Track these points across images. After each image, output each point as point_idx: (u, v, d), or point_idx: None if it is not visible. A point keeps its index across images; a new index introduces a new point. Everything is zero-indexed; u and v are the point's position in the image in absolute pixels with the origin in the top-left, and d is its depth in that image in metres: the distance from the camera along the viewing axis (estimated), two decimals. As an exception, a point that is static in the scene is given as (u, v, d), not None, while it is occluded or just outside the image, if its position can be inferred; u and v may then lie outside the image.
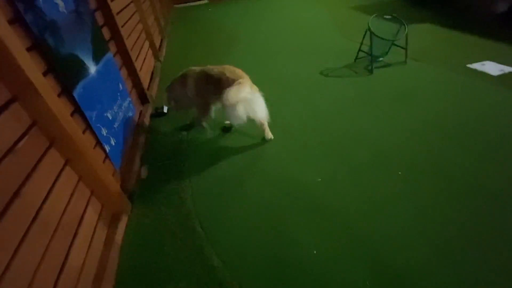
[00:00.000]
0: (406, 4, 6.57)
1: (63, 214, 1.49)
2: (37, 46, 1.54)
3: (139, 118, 3.09)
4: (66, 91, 1.73)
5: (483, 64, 3.56)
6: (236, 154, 2.53)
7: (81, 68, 1.97)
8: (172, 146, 2.77)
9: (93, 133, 1.96)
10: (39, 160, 1.40)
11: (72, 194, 1.60)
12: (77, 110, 1.82)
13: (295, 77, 3.80)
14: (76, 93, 1.79)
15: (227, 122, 2.87)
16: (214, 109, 2.75)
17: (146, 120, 3.16)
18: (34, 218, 1.29)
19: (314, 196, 2.02)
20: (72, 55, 1.88)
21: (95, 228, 1.76)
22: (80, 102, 1.81)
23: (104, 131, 2.12)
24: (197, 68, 2.66)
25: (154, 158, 2.64)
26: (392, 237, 1.71)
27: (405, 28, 3.59)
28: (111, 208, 1.96)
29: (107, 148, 2.11)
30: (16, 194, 1.19)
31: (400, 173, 2.13)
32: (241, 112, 2.27)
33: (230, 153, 2.55)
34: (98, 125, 2.05)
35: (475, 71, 3.45)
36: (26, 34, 1.47)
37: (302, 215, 1.91)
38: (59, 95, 1.64)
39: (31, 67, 1.33)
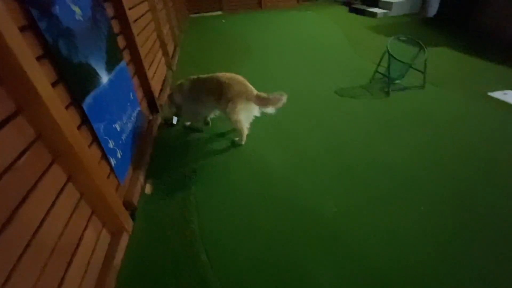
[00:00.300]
0: (420, 26, 6.53)
1: (60, 236, 1.37)
2: (49, 54, 1.46)
3: (147, 129, 2.99)
4: (75, 102, 1.64)
5: (505, 93, 3.43)
6: (247, 176, 2.40)
7: (93, 78, 1.89)
8: (180, 160, 2.66)
9: (99, 146, 1.86)
10: (40, 178, 1.29)
11: (72, 214, 1.48)
12: (85, 122, 1.72)
13: (309, 95, 3.70)
14: (85, 105, 1.70)
15: (237, 139, 2.80)
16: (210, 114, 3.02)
17: (154, 131, 3.07)
18: (28, 244, 1.17)
19: (329, 228, 1.87)
20: (85, 64, 1.80)
21: (93, 250, 1.63)
22: (89, 114, 1.72)
23: (111, 144, 2.02)
24: (193, 76, 2.85)
25: (160, 173, 2.52)
26: (411, 277, 1.55)
27: (425, 52, 3.50)
28: (112, 227, 1.83)
29: (112, 161, 2.00)
30: (10, 218, 1.07)
31: (422, 208, 1.98)
32: (244, 117, 2.63)
33: (241, 175, 2.42)
34: (106, 137, 1.95)
35: (497, 100, 3.32)
36: (38, 41, 1.39)
37: (316, 248, 1.76)
38: (67, 107, 1.55)
39: (40, 77, 1.24)
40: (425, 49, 3.50)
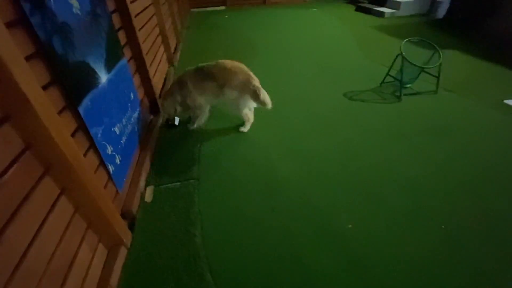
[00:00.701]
0: (429, 27, 6.37)
1: (52, 257, 1.23)
2: (41, 53, 1.30)
3: (148, 130, 2.84)
4: (70, 105, 1.48)
5: (522, 102, 3.30)
6: (254, 185, 2.26)
7: (91, 78, 1.73)
8: (182, 164, 2.51)
9: (96, 152, 1.70)
10: (29, 193, 1.14)
11: (65, 231, 1.34)
12: (82, 127, 1.57)
13: (318, 98, 3.56)
14: (82, 108, 1.54)
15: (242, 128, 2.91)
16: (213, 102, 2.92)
17: (156, 133, 2.91)
18: (16, 268, 1.03)
19: (345, 247, 1.74)
20: (82, 63, 1.64)
21: (88, 268, 1.48)
22: (85, 118, 1.56)
23: (109, 149, 1.87)
24: (191, 68, 2.80)
25: (161, 178, 2.37)
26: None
27: (440, 56, 3.35)
28: (109, 241, 1.69)
29: (111, 168, 1.85)
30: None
31: (443, 226, 1.85)
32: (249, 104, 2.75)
33: (247, 183, 2.28)
34: (104, 143, 1.80)
35: (513, 108, 3.19)
36: (29, 39, 1.23)
37: (330, 269, 1.63)
38: (61, 111, 1.40)
39: (29, 79, 1.08)
40: (441, 53, 3.35)
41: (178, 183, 2.31)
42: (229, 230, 1.88)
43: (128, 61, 2.53)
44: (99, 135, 1.73)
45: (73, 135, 1.46)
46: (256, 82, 2.65)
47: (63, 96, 1.44)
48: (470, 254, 1.69)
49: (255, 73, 2.70)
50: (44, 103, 1.15)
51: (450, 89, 3.62)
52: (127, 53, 2.59)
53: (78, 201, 1.43)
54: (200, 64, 2.77)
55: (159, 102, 3.19)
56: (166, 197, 2.18)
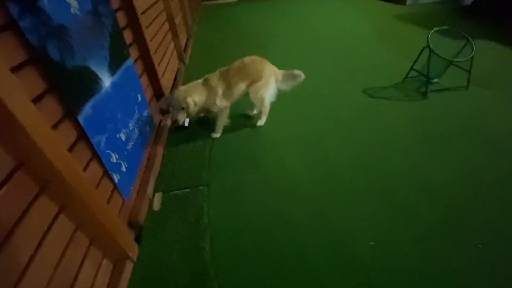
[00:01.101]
0: (456, 15, 5.89)
1: (51, 278, 1.15)
2: (35, 59, 1.19)
3: (157, 133, 2.74)
4: (69, 114, 1.38)
5: None
6: (266, 192, 2.12)
7: (93, 83, 1.63)
8: (191, 169, 2.40)
9: (99, 162, 1.61)
10: (24, 213, 1.06)
11: (65, 250, 1.25)
12: (82, 137, 1.47)
13: (336, 94, 3.33)
14: (82, 117, 1.44)
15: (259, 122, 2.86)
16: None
17: (165, 134, 2.82)
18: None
19: (365, 268, 1.58)
20: (82, 68, 1.53)
21: (92, 285, 1.41)
22: (86, 128, 1.46)
23: (114, 158, 1.77)
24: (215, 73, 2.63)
25: (170, 184, 2.28)
26: None
27: (472, 47, 3.03)
28: (114, 255, 1.61)
29: (116, 178, 1.76)
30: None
31: (480, 246, 1.64)
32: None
33: (259, 190, 2.14)
34: (108, 151, 1.70)
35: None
36: (20, 45, 1.12)
37: (350, 293, 1.48)
38: (58, 122, 1.29)
39: (14, 93, 0.97)
40: (473, 44, 3.03)
41: (187, 190, 2.21)
42: (239, 245, 1.76)
43: (135, 61, 2.42)
44: (102, 144, 1.63)
45: (72, 147, 1.36)
46: (278, 71, 2.73)
47: (60, 105, 1.34)
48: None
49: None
50: (35, 118, 1.05)
51: (481, 84, 3.29)
52: (134, 53, 2.48)
53: (78, 218, 1.34)
54: (222, 68, 2.63)
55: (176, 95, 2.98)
56: (174, 205, 2.08)
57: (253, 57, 2.67)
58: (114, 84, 1.89)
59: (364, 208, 1.93)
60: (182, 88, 2.50)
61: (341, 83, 3.57)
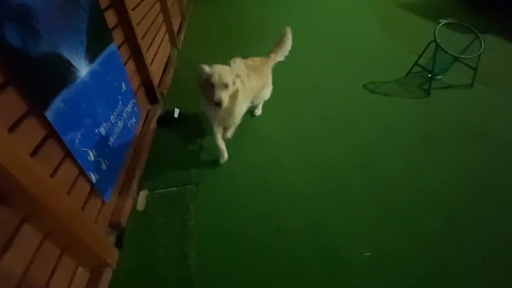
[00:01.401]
0: (464, 6, 5.65)
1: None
2: (-13, 47, 1.01)
3: (144, 124, 2.57)
4: (34, 110, 1.21)
5: None
6: (258, 194, 2.00)
7: (65, 73, 1.44)
8: (180, 166, 2.26)
9: (74, 162, 1.45)
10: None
11: (31, 262, 1.12)
12: (52, 135, 1.31)
13: (335, 89, 3.16)
14: (50, 112, 1.27)
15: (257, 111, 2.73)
16: None
17: (152, 126, 2.64)
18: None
19: (359, 281, 1.49)
20: (51, 55, 1.34)
21: (63, 298, 1.29)
22: (56, 125, 1.29)
23: (91, 156, 1.62)
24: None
25: (156, 181, 2.14)
26: None
27: (481, 44, 2.87)
28: (91, 263, 1.49)
29: (94, 177, 1.61)
30: None
31: (480, 260, 1.56)
32: None
33: (251, 191, 2.02)
34: (84, 149, 1.54)
35: None
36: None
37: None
38: (20, 120, 1.12)
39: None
40: (482, 40, 2.87)
41: (175, 189, 2.08)
42: (228, 253, 1.65)
43: (119, 46, 2.21)
44: (77, 141, 1.47)
45: (38, 148, 1.20)
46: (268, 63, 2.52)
47: (24, 100, 1.16)
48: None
49: (264, 54, 2.42)
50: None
51: (487, 82, 3.16)
52: (119, 36, 2.26)
53: (46, 228, 1.20)
54: (239, 59, 2.06)
55: (157, 91, 2.88)
56: (160, 206, 1.95)
57: (251, 61, 2.33)
58: (92, 73, 1.70)
59: (360, 214, 1.83)
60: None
61: (341, 76, 3.40)
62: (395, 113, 2.75)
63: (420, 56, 3.17)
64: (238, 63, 1.92)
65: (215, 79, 1.74)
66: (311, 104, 2.91)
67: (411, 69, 3.31)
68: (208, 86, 1.80)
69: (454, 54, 2.89)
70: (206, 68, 1.81)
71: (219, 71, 1.76)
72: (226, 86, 1.77)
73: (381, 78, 3.33)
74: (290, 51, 2.64)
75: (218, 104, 1.76)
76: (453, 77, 3.20)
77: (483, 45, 2.86)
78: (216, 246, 1.68)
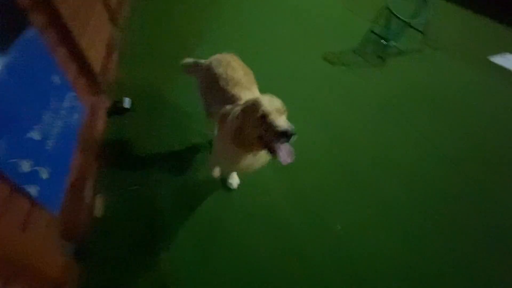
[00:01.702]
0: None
1: None
2: None
3: (90, 119, 2.28)
4: None
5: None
6: (227, 189, 1.90)
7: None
8: (139, 163, 2.07)
9: (1, 178, 1.22)
10: None
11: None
12: (-38, 150, 1.06)
13: (293, 61, 3.07)
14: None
15: None
16: None
17: (102, 121, 2.36)
18: None
19: (333, 253, 1.54)
20: None
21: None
22: (-37, 138, 1.04)
23: (26, 166, 1.38)
24: None
25: (114, 183, 1.94)
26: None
27: (429, 8, 2.95)
28: (45, 285, 1.32)
29: (33, 190, 1.39)
30: None
31: (436, 217, 1.69)
32: None
33: (220, 188, 1.92)
34: (13, 160, 1.30)
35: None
36: None
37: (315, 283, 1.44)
38: None
39: None
40: (430, 5, 2.95)
41: (136, 187, 1.91)
42: (203, 250, 1.57)
43: (41, 31, 1.84)
44: (0, 153, 1.23)
45: None
46: None
47: None
48: (467, 240, 1.58)
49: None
50: None
51: (436, 46, 3.31)
52: (39, 18, 1.88)
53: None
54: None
55: (100, 79, 2.54)
56: (121, 209, 1.79)
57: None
58: (7, 68, 1.40)
59: (327, 188, 1.87)
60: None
61: (299, 47, 3.30)
62: (356, 85, 2.79)
63: (375, 23, 3.18)
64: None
65: (272, 107, 1.27)
66: (269, 78, 2.78)
67: (366, 37, 3.33)
68: (259, 124, 1.27)
69: (405, 20, 2.94)
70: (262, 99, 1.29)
71: (269, 98, 1.32)
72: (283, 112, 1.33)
73: (339, 48, 3.31)
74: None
75: (288, 134, 1.23)
76: (405, 43, 3.29)
77: (430, 8, 2.94)
78: (190, 244, 1.60)
